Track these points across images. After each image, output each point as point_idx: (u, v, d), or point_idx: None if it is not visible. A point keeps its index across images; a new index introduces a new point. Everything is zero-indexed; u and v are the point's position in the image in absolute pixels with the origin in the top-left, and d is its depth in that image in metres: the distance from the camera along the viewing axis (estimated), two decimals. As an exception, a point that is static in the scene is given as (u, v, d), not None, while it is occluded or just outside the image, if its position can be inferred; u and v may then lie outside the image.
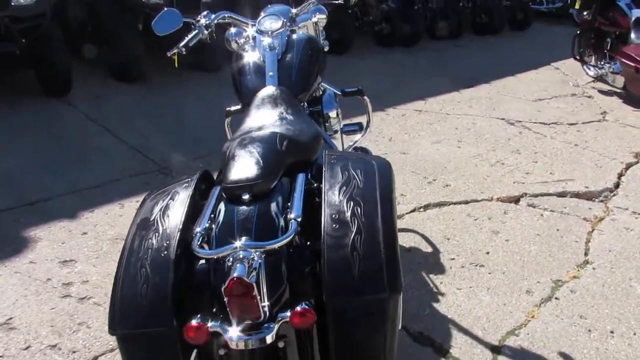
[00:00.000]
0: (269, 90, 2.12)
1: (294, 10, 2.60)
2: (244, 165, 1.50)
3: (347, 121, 2.72)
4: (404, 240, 2.74)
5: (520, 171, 3.59)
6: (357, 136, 3.07)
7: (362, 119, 2.75)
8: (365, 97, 2.86)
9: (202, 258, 1.33)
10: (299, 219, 1.39)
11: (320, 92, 2.51)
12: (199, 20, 2.36)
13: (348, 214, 1.43)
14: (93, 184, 3.27)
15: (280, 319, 1.29)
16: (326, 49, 2.86)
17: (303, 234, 1.46)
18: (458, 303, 2.28)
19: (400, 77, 6.21)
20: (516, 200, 3.20)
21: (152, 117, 4.38)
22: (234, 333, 1.26)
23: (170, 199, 1.45)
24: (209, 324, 1.24)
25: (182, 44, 2.31)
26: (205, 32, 2.34)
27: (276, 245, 1.31)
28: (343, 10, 7.15)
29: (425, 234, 2.80)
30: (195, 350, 1.31)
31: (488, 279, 2.44)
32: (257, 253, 1.29)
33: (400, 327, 1.37)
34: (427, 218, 2.98)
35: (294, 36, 2.41)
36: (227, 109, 2.36)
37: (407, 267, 2.52)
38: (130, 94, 4.89)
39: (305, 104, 2.31)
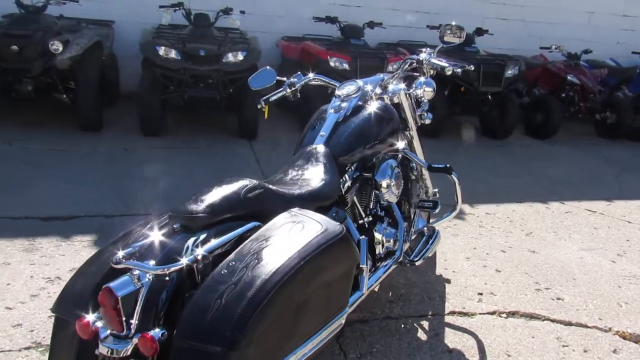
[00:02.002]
0: (314, 147, 2.23)
1: (386, 79, 2.64)
2: (195, 199, 1.63)
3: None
4: (453, 339, 2.39)
5: (679, 309, 2.74)
6: (446, 215, 2.87)
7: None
8: (453, 177, 2.68)
9: (114, 268, 1.49)
10: (200, 256, 1.46)
11: (385, 159, 2.44)
12: (290, 80, 2.60)
13: (241, 265, 1.45)
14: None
15: (136, 339, 1.36)
16: (427, 121, 2.80)
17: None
18: None
19: (598, 173, 5.37)
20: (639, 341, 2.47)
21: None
22: (103, 338, 1.39)
23: None
24: (95, 324, 1.40)
25: (264, 98, 2.59)
26: (288, 90, 2.57)
27: (161, 271, 1.41)
28: (548, 93, 6.60)
29: (484, 343, 2.39)
30: None
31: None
32: (148, 275, 1.41)
33: None
34: (502, 326, 2.53)
35: (370, 104, 2.45)
36: None
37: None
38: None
39: (352, 167, 2.30)
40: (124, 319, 1.37)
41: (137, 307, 1.38)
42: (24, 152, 4.45)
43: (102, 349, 1.39)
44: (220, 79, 4.97)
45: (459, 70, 2.61)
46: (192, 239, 1.54)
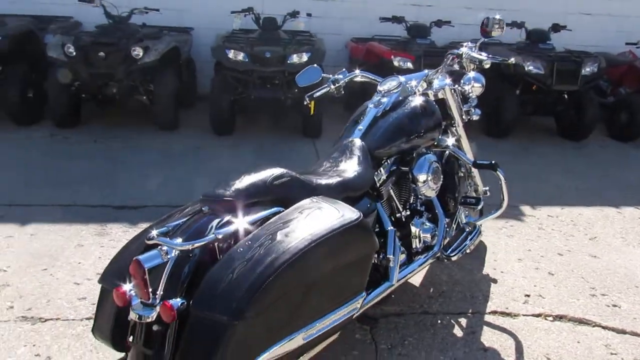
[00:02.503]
0: (350, 140, 2.30)
1: (430, 74, 2.64)
2: (225, 184, 1.76)
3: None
4: (490, 338, 2.35)
5: None
6: (493, 213, 2.82)
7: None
8: (499, 173, 2.63)
9: (147, 244, 1.65)
10: (221, 236, 1.59)
11: (424, 154, 2.44)
12: (334, 77, 2.68)
13: (256, 244, 1.55)
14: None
15: (159, 307, 1.51)
16: (475, 117, 2.78)
17: None
18: None
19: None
20: (701, 353, 2.27)
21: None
22: (134, 306, 1.55)
23: None
24: (130, 293, 1.57)
25: (308, 94, 2.68)
26: (332, 86, 2.65)
27: (185, 247, 1.54)
28: (635, 93, 6.11)
29: (524, 344, 2.32)
30: None
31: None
32: (174, 250, 1.55)
33: None
34: (546, 329, 2.44)
35: (411, 99, 2.47)
36: None
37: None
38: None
39: (389, 160, 2.34)
40: (150, 289, 1.52)
41: (162, 279, 1.53)
42: (106, 148, 4.89)
43: (132, 315, 1.55)
44: (284, 80, 5.15)
45: (498, 61, 2.55)
46: (217, 220, 1.66)
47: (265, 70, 5.10)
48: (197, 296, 1.46)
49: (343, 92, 2.70)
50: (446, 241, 2.58)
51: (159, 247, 1.56)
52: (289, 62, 5.13)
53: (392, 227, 2.17)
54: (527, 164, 5.05)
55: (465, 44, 2.69)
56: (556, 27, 6.08)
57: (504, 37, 6.14)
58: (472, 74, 2.84)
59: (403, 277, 2.24)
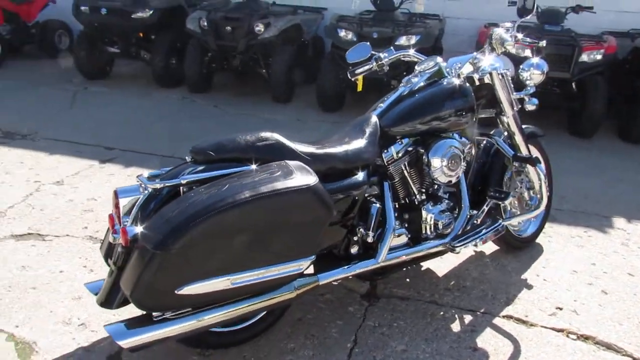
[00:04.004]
0: (366, 115, 2.34)
1: (477, 57, 2.52)
2: (213, 139, 1.95)
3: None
4: (488, 339, 2.20)
5: None
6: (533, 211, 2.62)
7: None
8: (538, 170, 2.46)
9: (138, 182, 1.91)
10: (184, 181, 1.80)
11: (445, 138, 2.35)
12: (377, 54, 2.69)
13: (205, 191, 1.73)
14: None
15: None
16: (529, 107, 2.58)
17: None
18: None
19: None
20: None
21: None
22: (114, 229, 1.84)
23: None
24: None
25: (350, 70, 2.72)
26: (375, 64, 2.66)
27: (156, 186, 1.79)
28: None
29: (521, 353, 2.13)
30: None
31: None
32: (148, 187, 1.81)
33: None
34: (559, 345, 2.19)
35: (442, 81, 2.40)
36: None
37: None
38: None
39: (403, 139, 2.31)
40: (122, 216, 1.80)
41: (132, 210, 1.80)
42: (222, 113, 5.44)
43: (110, 238, 1.85)
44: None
45: (526, 44, 2.33)
46: (190, 169, 1.87)
47: (371, 50, 5.12)
48: (144, 227, 1.68)
49: (386, 69, 2.68)
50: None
51: (140, 183, 1.84)
52: (396, 43, 5.09)
53: (377, 204, 2.15)
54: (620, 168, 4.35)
55: (501, 24, 2.48)
56: (577, 9, 5.43)
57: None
58: (535, 60, 2.61)
59: (393, 258, 2.21)
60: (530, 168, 2.68)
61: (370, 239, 2.13)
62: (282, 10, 6.12)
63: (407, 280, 2.62)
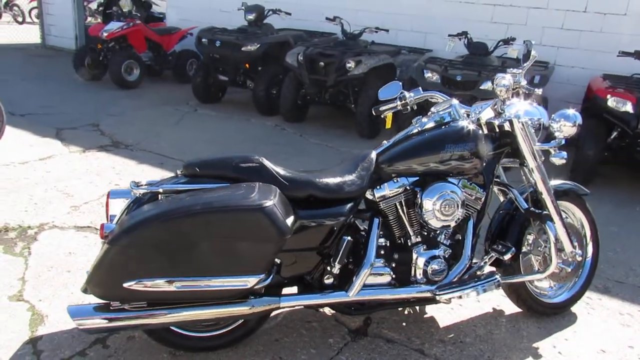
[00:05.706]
0: (368, 151, 2.38)
1: (499, 103, 2.45)
2: (205, 157, 2.16)
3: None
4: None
5: None
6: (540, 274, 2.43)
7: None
8: (547, 227, 2.32)
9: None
10: (161, 189, 2.01)
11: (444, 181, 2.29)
12: (403, 93, 2.70)
13: (173, 199, 1.94)
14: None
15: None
16: (556, 161, 2.41)
17: None
18: None
19: None
20: None
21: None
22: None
23: None
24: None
25: (380, 107, 2.74)
26: (399, 102, 2.67)
27: (141, 192, 2.03)
28: None
29: None
30: None
31: None
32: (139, 192, 2.06)
33: None
34: None
35: (451, 124, 2.37)
36: None
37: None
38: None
39: (399, 179, 2.31)
40: (110, 214, 2.06)
41: (121, 210, 2.04)
42: (305, 142, 5.69)
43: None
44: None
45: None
46: (174, 180, 2.07)
47: (453, 93, 5.04)
48: (117, 224, 1.91)
49: (410, 109, 2.67)
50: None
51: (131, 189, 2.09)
52: (480, 87, 4.94)
53: (349, 238, 2.15)
54: None
55: (508, 70, 2.34)
56: (506, 41, 5.35)
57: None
58: (570, 111, 2.42)
59: (369, 296, 2.18)
60: (556, 225, 2.45)
61: (336, 271, 2.13)
62: (380, 49, 6.28)
63: (403, 324, 2.53)
